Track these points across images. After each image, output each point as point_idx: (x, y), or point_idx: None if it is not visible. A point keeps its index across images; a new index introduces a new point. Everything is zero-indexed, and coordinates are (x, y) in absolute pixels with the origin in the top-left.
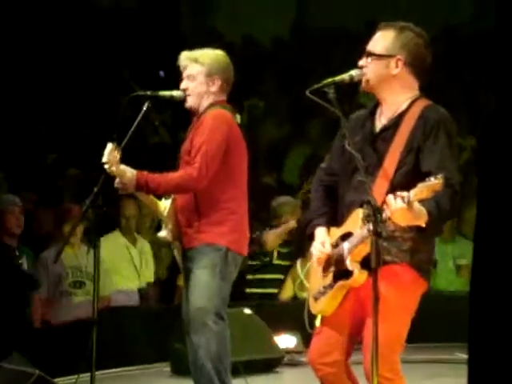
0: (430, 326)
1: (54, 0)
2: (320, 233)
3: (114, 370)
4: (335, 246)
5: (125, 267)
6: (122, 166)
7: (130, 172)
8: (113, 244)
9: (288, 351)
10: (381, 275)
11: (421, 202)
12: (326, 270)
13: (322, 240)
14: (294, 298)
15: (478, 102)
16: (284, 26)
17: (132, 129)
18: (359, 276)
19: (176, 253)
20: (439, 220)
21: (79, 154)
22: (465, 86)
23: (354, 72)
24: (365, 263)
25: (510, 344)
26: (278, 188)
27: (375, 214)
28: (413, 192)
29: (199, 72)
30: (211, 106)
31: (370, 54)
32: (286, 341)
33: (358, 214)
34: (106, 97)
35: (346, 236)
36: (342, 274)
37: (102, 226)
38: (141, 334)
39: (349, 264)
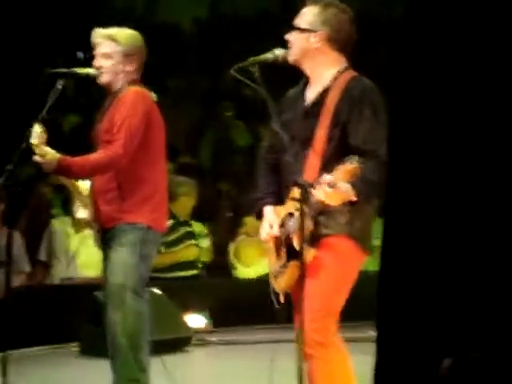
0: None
1: None
2: (268, 213)
3: (22, 350)
4: (282, 225)
5: (62, 254)
6: (45, 148)
7: (51, 154)
8: (58, 229)
9: (197, 331)
10: (319, 247)
11: None
12: (278, 249)
13: (270, 221)
14: (202, 277)
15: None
16: (202, 8)
17: (47, 106)
18: (307, 254)
19: (94, 233)
20: (367, 191)
21: None
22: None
23: (277, 51)
24: (311, 239)
25: (416, 322)
26: (193, 170)
27: (303, 195)
28: (334, 176)
29: (116, 51)
30: (128, 84)
31: (295, 28)
32: (195, 320)
33: (295, 193)
34: (29, 76)
35: (291, 215)
36: (294, 252)
37: (17, 206)
38: (51, 314)
39: (295, 244)
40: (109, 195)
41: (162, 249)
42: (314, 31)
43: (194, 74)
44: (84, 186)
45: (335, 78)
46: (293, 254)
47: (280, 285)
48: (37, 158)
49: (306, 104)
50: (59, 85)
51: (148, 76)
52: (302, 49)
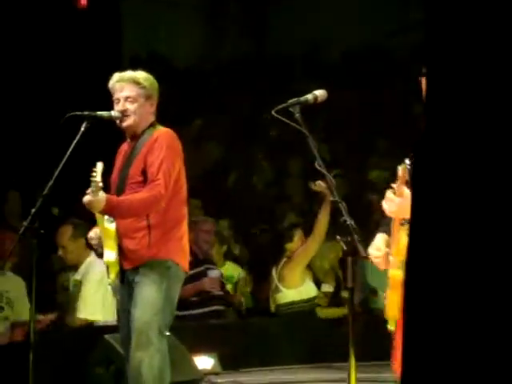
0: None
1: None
2: (377, 238)
3: None
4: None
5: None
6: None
7: (101, 193)
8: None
9: (205, 373)
10: None
11: None
12: None
13: (378, 245)
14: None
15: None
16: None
17: (70, 149)
18: (393, 273)
19: (114, 276)
20: None
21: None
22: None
23: (317, 92)
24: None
25: (442, 367)
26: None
27: None
28: (397, 184)
29: (140, 94)
30: (151, 126)
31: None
32: (202, 362)
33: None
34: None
35: None
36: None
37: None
38: (60, 359)
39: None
40: (139, 234)
41: None
42: None
43: (215, 112)
44: (112, 229)
45: None
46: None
47: (385, 311)
48: (88, 197)
49: None
50: (82, 127)
51: (172, 115)
52: None
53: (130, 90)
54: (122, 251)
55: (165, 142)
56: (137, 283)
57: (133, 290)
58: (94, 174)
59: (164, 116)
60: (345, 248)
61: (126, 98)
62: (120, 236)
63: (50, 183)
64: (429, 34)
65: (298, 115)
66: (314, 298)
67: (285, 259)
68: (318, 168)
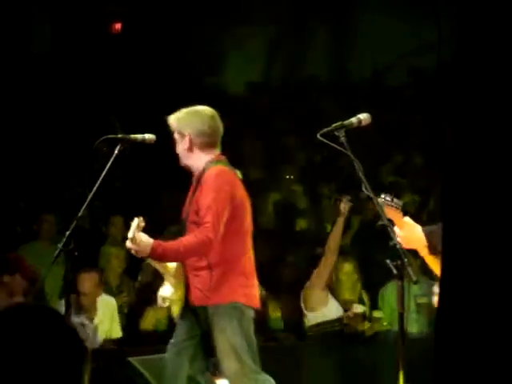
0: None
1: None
2: None
3: None
4: None
5: None
6: (140, 234)
7: (145, 240)
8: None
9: None
10: None
11: None
12: None
13: None
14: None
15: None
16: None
17: (105, 171)
18: None
19: (174, 311)
20: None
21: (53, 198)
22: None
23: (361, 116)
24: None
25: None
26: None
27: None
28: None
29: (176, 134)
30: (208, 163)
31: None
32: None
33: None
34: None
35: None
36: None
37: (74, 270)
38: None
39: None
40: (201, 272)
41: None
42: None
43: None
44: (170, 266)
45: None
46: None
47: None
48: (130, 244)
49: None
50: (116, 150)
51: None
52: None
53: (174, 132)
54: (188, 287)
55: (213, 184)
56: (210, 328)
57: (200, 323)
58: (131, 227)
59: None
60: (395, 272)
61: (175, 139)
62: (186, 272)
63: (85, 205)
64: (458, 55)
65: (343, 139)
66: (341, 318)
67: (308, 283)
68: (365, 191)
